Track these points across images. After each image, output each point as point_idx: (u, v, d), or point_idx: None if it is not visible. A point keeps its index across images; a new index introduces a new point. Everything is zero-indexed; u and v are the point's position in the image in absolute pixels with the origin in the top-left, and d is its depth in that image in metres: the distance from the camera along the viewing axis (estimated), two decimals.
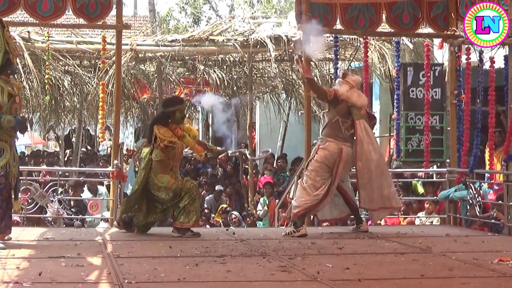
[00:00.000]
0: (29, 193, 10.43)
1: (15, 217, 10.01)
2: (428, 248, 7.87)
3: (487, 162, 11.15)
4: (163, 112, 9.04)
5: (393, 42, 12.75)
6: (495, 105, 10.39)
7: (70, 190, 10.84)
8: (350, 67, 14.58)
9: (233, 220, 13.93)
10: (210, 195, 16.19)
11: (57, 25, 10.82)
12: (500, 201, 9.80)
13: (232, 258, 7.11)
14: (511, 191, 9.36)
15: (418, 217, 11.48)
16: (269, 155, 9.07)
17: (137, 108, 18.27)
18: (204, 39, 15.16)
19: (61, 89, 15.67)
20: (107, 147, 24.18)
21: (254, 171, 15.96)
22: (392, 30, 11.24)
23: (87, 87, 15.60)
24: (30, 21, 10.56)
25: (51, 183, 10.57)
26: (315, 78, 12.60)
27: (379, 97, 16.75)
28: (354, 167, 9.14)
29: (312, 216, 9.95)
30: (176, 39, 15.20)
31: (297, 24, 10.81)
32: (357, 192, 9.48)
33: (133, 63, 15.46)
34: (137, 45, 15.00)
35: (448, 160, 10.95)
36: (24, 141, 25.08)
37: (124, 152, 14.36)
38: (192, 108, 21.68)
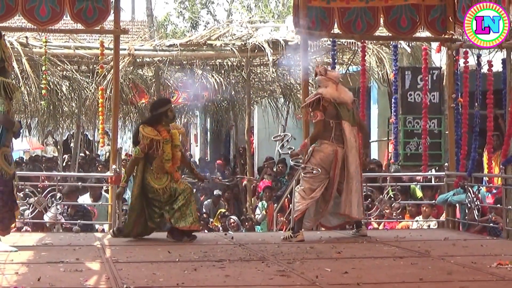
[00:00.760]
0: (27, 199, 10.43)
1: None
2: (426, 252, 7.86)
3: (485, 166, 11.14)
4: (153, 115, 9.09)
5: (391, 46, 12.76)
6: (493, 109, 10.39)
7: (64, 198, 10.78)
8: (348, 71, 14.59)
9: (232, 224, 13.92)
10: (209, 200, 16.19)
11: (55, 30, 10.82)
12: (498, 205, 9.79)
13: (231, 262, 7.10)
14: (510, 194, 9.36)
15: (417, 221, 11.47)
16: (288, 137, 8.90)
17: (135, 113, 18.29)
18: (202, 43, 15.15)
19: (59, 94, 15.69)
20: (106, 152, 24.20)
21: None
22: (390, 34, 11.24)
23: (85, 92, 15.61)
24: (28, 27, 10.59)
25: (50, 189, 10.57)
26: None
27: (377, 101, 16.76)
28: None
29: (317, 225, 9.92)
30: (174, 44, 15.20)
31: (295, 28, 10.81)
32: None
33: (131, 68, 15.46)
34: (135, 50, 15.00)
35: (446, 164, 10.96)
36: (23, 147, 25.11)
37: (123, 157, 14.38)
38: (190, 113, 21.76)
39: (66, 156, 23.41)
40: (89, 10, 10.24)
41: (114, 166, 10.21)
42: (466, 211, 10.11)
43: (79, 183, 11.75)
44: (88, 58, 14.88)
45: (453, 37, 10.65)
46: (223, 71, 16.01)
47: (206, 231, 13.28)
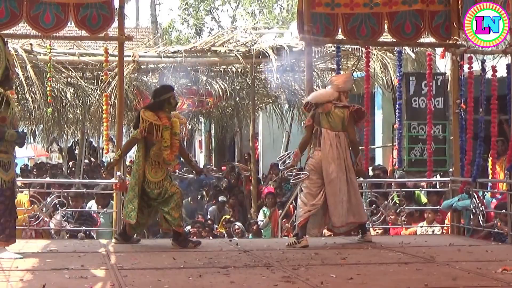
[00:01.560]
0: (32, 205, 10.43)
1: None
2: (431, 257, 7.85)
3: (490, 171, 11.13)
4: (155, 101, 9.14)
5: (395, 52, 12.74)
6: (498, 114, 10.39)
7: (71, 201, 10.81)
8: (352, 77, 14.57)
9: (236, 231, 13.91)
10: (213, 206, 16.19)
11: (59, 37, 10.87)
12: (503, 210, 9.77)
13: (236, 269, 7.10)
14: None
15: (422, 226, 11.45)
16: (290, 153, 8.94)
17: None
18: (206, 50, 15.17)
19: (63, 101, 15.70)
20: (110, 159, 24.18)
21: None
22: (394, 40, 11.24)
23: (90, 99, 15.62)
24: (32, 34, 10.62)
25: (54, 195, 10.58)
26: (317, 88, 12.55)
27: (381, 107, 16.75)
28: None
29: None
30: (178, 50, 15.22)
31: (299, 34, 10.82)
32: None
33: (136, 74, 15.48)
34: (140, 56, 15.03)
35: (451, 170, 10.95)
36: (27, 153, 25.12)
37: (127, 163, 14.38)
38: (195, 119, 21.76)
39: (70, 162, 23.42)
40: (93, 17, 10.26)
41: (118, 173, 10.21)
42: (471, 216, 10.09)
43: (84, 190, 11.74)
44: (92, 64, 14.90)
45: (458, 42, 10.65)
46: (227, 77, 16.03)
47: (210, 237, 13.28)
